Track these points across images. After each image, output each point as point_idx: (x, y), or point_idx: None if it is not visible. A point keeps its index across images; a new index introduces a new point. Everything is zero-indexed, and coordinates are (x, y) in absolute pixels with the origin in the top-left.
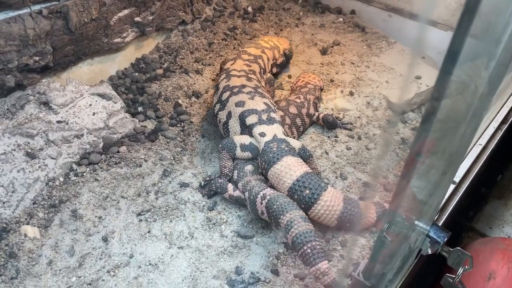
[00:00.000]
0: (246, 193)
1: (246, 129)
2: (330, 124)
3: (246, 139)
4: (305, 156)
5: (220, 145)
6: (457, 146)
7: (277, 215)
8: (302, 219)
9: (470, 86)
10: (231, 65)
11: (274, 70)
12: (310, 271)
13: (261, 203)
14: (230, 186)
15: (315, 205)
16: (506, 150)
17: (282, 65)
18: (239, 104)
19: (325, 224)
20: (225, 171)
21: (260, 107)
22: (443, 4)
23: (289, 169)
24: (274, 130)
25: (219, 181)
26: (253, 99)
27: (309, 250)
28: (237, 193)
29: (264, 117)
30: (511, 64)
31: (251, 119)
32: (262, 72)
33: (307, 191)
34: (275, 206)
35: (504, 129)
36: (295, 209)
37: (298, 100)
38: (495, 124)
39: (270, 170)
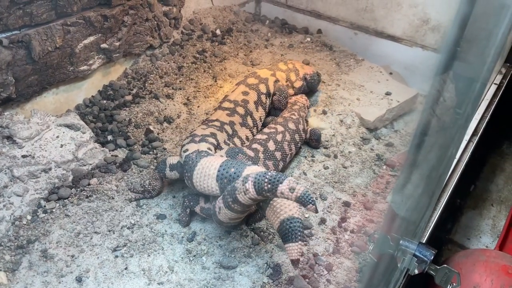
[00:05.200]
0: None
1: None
2: (317, 138)
3: (175, 159)
4: (233, 153)
5: (157, 163)
6: (444, 165)
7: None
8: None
9: (460, 105)
10: (231, 92)
11: (290, 91)
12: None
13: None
14: (201, 199)
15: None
16: (477, 161)
17: (302, 89)
18: (190, 133)
19: None
20: (149, 188)
21: (202, 133)
22: (406, 21)
23: (210, 164)
24: (198, 147)
25: (189, 196)
26: (205, 129)
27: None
28: (208, 205)
29: (197, 138)
30: None
31: (186, 141)
32: (264, 97)
33: (232, 169)
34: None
35: (475, 141)
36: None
37: (294, 117)
38: (466, 137)
39: (193, 176)
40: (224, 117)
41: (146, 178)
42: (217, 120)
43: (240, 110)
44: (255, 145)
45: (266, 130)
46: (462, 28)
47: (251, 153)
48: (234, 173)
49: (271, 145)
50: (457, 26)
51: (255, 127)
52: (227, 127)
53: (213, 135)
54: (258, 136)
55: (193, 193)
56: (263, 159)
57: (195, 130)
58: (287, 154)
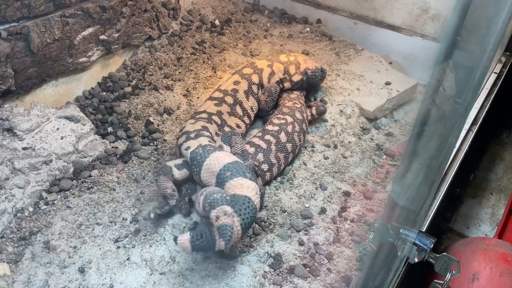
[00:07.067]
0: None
1: (179, 151)
2: (321, 112)
3: (178, 160)
4: (227, 138)
5: (155, 173)
6: (444, 154)
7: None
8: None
9: (459, 95)
10: (225, 81)
11: (287, 85)
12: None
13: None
14: (198, 188)
15: (228, 181)
16: (476, 150)
17: (300, 84)
18: (180, 130)
19: None
20: (168, 192)
21: (193, 128)
22: (406, 10)
23: (218, 160)
24: (199, 142)
25: (186, 185)
26: (194, 123)
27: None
28: None
29: (192, 135)
30: None
31: (180, 140)
32: (256, 88)
33: (228, 173)
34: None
35: (475, 130)
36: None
37: (298, 106)
38: (466, 126)
39: (202, 169)
40: (212, 107)
41: (159, 191)
42: (204, 111)
43: (229, 99)
44: (267, 136)
45: (275, 120)
46: (462, 17)
47: (264, 145)
48: (226, 176)
49: (282, 137)
50: (457, 15)
51: (246, 116)
52: (215, 117)
53: (204, 128)
54: (269, 127)
55: (192, 182)
56: (275, 151)
57: (184, 127)
58: (297, 145)
